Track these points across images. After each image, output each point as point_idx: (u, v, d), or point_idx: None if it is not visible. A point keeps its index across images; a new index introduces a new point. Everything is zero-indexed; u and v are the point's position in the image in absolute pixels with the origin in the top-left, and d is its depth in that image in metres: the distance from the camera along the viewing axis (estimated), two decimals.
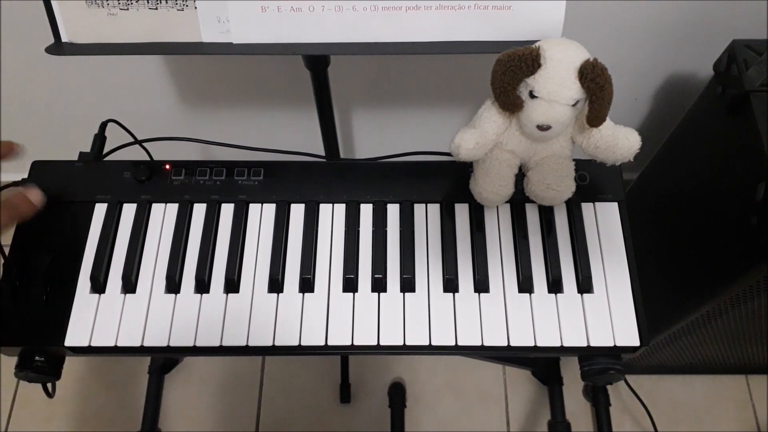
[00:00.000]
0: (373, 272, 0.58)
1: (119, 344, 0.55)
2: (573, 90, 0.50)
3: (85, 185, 0.62)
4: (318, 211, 0.61)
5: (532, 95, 0.51)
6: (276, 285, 0.58)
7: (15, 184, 0.60)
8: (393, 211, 0.62)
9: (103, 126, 0.69)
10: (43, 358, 0.54)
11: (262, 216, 0.61)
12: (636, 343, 0.55)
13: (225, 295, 0.57)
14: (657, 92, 1.04)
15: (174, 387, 1.24)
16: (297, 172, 0.63)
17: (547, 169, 0.57)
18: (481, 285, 0.57)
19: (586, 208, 0.61)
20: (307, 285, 0.58)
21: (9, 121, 1.12)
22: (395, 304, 0.57)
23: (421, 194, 0.62)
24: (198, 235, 0.60)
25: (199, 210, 0.61)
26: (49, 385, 0.59)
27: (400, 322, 0.56)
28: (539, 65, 0.50)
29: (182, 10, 0.55)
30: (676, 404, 1.23)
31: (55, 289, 0.57)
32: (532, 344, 0.55)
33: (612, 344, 0.55)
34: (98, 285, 0.57)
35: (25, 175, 0.63)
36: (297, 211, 0.61)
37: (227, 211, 0.61)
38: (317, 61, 0.65)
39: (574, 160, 0.59)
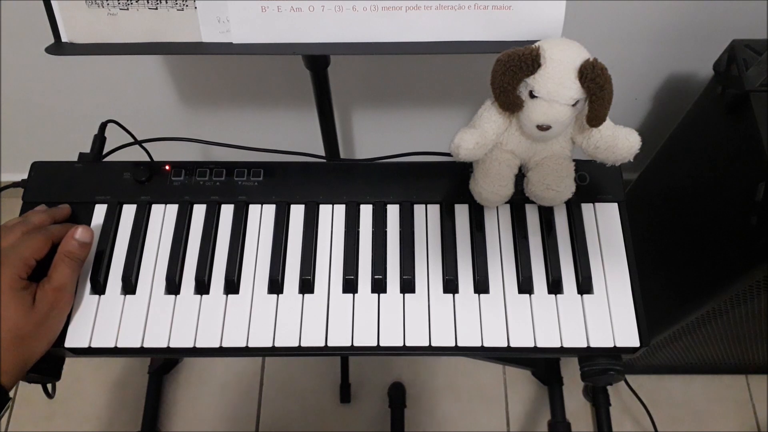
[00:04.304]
0: (373, 273, 0.58)
1: (119, 345, 0.55)
2: (573, 90, 0.50)
3: (84, 186, 0.62)
4: (318, 212, 0.61)
5: (532, 95, 0.51)
6: (276, 286, 0.58)
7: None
8: (393, 211, 0.62)
9: (103, 126, 0.69)
10: (43, 358, 0.54)
11: (261, 217, 0.61)
12: (636, 343, 0.55)
13: (225, 296, 0.57)
14: (657, 92, 1.04)
15: (174, 387, 1.24)
16: (297, 172, 0.63)
17: (547, 170, 0.57)
18: (481, 286, 0.57)
19: (586, 208, 0.61)
20: (306, 286, 0.58)
21: (9, 121, 1.12)
22: (395, 304, 0.57)
23: (421, 194, 0.62)
24: (198, 236, 0.60)
25: (199, 211, 0.61)
26: (49, 386, 0.59)
27: (400, 322, 0.56)
28: (539, 65, 0.50)
29: (182, 10, 0.55)
30: (676, 404, 1.23)
31: None
32: (532, 345, 0.55)
33: (612, 345, 0.55)
34: (98, 286, 0.57)
35: (25, 176, 0.63)
36: (297, 211, 0.61)
37: (227, 212, 0.61)
38: (317, 61, 0.65)
39: (574, 160, 0.59)
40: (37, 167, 0.63)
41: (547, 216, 0.61)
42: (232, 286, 0.58)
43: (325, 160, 0.82)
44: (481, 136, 0.55)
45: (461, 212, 0.61)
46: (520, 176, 0.59)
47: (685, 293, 0.86)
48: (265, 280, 0.58)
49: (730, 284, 0.74)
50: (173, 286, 0.57)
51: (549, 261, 0.58)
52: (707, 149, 0.86)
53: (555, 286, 0.58)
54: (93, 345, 0.55)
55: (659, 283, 0.93)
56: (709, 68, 0.82)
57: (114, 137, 0.70)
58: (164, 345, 0.55)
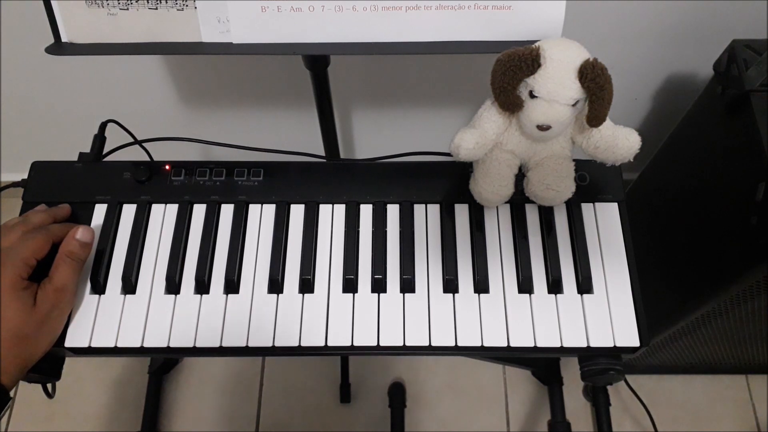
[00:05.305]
0: (373, 273, 0.58)
1: (119, 345, 0.55)
2: (573, 90, 0.50)
3: (84, 186, 0.62)
4: (318, 212, 0.61)
5: (532, 95, 0.51)
6: (276, 286, 0.58)
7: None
8: (393, 211, 0.62)
9: (103, 126, 0.69)
10: (43, 358, 0.54)
11: (261, 217, 0.61)
12: (636, 343, 0.55)
13: (225, 295, 0.57)
14: (657, 92, 1.04)
15: (174, 387, 1.24)
16: (297, 172, 0.63)
17: (547, 170, 0.57)
18: (481, 285, 0.57)
19: (586, 208, 0.61)
20: (306, 286, 0.58)
21: (9, 121, 1.13)
22: (395, 304, 0.57)
23: (421, 194, 0.62)
24: (198, 235, 0.60)
25: (199, 211, 0.61)
26: (49, 386, 0.59)
27: (400, 322, 0.56)
28: (539, 65, 0.50)
29: (182, 10, 0.55)
30: (676, 404, 1.23)
31: None
32: (532, 345, 0.55)
33: (612, 345, 0.55)
34: (98, 286, 0.57)
35: (25, 176, 0.63)
36: (297, 211, 0.61)
37: (227, 211, 0.61)
38: (317, 61, 0.65)
39: (574, 160, 0.59)
40: (37, 167, 0.63)
41: (547, 216, 0.61)
42: (232, 285, 0.58)
43: (325, 160, 0.82)
44: (481, 136, 0.55)
45: (461, 212, 0.61)
46: (520, 176, 0.59)
47: (685, 293, 0.86)
48: (265, 279, 0.58)
49: (730, 284, 0.74)
50: (173, 286, 0.57)
51: (549, 261, 0.58)
52: (707, 149, 0.86)
53: (555, 286, 0.58)
54: (93, 345, 0.55)
55: (659, 283, 0.93)
56: (709, 68, 0.82)
57: (114, 137, 0.70)
58: (164, 345, 0.55)
